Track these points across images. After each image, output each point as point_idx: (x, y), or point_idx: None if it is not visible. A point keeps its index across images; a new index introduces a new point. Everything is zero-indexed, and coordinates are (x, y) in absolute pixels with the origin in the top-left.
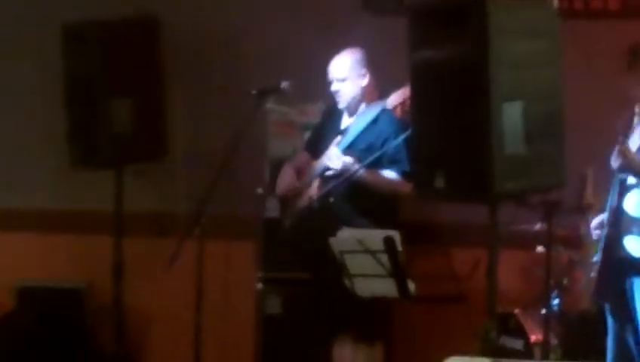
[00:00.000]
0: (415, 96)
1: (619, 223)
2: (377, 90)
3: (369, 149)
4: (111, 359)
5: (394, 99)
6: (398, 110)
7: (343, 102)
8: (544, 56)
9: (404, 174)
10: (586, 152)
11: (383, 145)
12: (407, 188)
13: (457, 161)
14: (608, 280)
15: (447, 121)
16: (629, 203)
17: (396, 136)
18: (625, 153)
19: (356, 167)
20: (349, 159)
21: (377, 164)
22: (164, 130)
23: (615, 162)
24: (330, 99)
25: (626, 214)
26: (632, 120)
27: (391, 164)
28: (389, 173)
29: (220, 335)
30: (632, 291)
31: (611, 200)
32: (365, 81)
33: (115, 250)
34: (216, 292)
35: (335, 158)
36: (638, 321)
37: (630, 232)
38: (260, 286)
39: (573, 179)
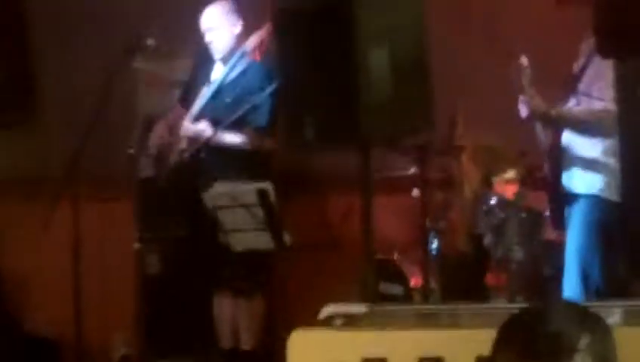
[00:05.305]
0: (280, 44)
1: (558, 160)
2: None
3: (235, 102)
4: None
5: (252, 40)
6: (257, 53)
7: (218, 53)
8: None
9: (262, 129)
10: (456, 94)
11: (248, 99)
12: (267, 143)
13: (326, 109)
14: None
15: (313, 69)
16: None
17: (263, 90)
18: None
19: (208, 133)
20: (201, 127)
21: (242, 119)
22: (32, 92)
23: (523, 112)
24: (205, 50)
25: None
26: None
27: (250, 118)
28: (234, 137)
29: (100, 296)
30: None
31: (544, 140)
32: (238, 29)
33: None
34: (93, 254)
35: (186, 129)
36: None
37: (570, 168)
38: (137, 246)
39: (443, 121)
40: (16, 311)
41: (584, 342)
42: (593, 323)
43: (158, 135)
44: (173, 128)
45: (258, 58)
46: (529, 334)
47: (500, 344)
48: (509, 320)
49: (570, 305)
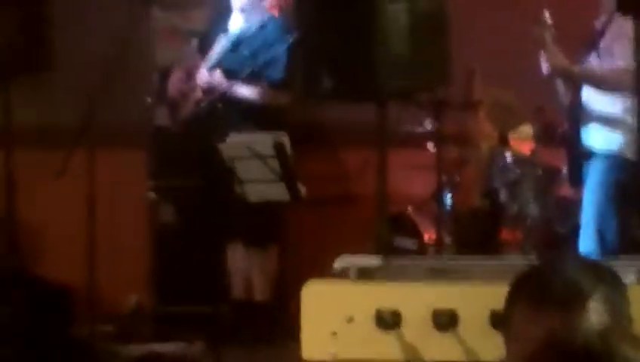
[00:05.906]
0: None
1: (578, 117)
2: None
3: (253, 56)
4: (5, 273)
5: None
6: (276, 9)
7: (236, 4)
8: None
9: (277, 83)
10: (474, 48)
11: (266, 53)
12: (282, 97)
13: (344, 62)
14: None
15: (332, 23)
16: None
17: (280, 45)
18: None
19: (224, 84)
20: (217, 78)
21: (258, 72)
22: (50, 41)
23: (545, 69)
24: (223, 1)
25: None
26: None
27: (267, 71)
28: (249, 91)
29: (114, 245)
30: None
31: (564, 97)
32: None
33: (6, 164)
34: (107, 203)
35: (202, 77)
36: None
37: (589, 126)
38: (151, 195)
39: (460, 76)
40: (31, 259)
41: (597, 291)
42: (607, 275)
43: (174, 82)
44: (190, 76)
45: (277, 14)
46: (542, 283)
47: (512, 294)
48: (523, 271)
49: (585, 259)
